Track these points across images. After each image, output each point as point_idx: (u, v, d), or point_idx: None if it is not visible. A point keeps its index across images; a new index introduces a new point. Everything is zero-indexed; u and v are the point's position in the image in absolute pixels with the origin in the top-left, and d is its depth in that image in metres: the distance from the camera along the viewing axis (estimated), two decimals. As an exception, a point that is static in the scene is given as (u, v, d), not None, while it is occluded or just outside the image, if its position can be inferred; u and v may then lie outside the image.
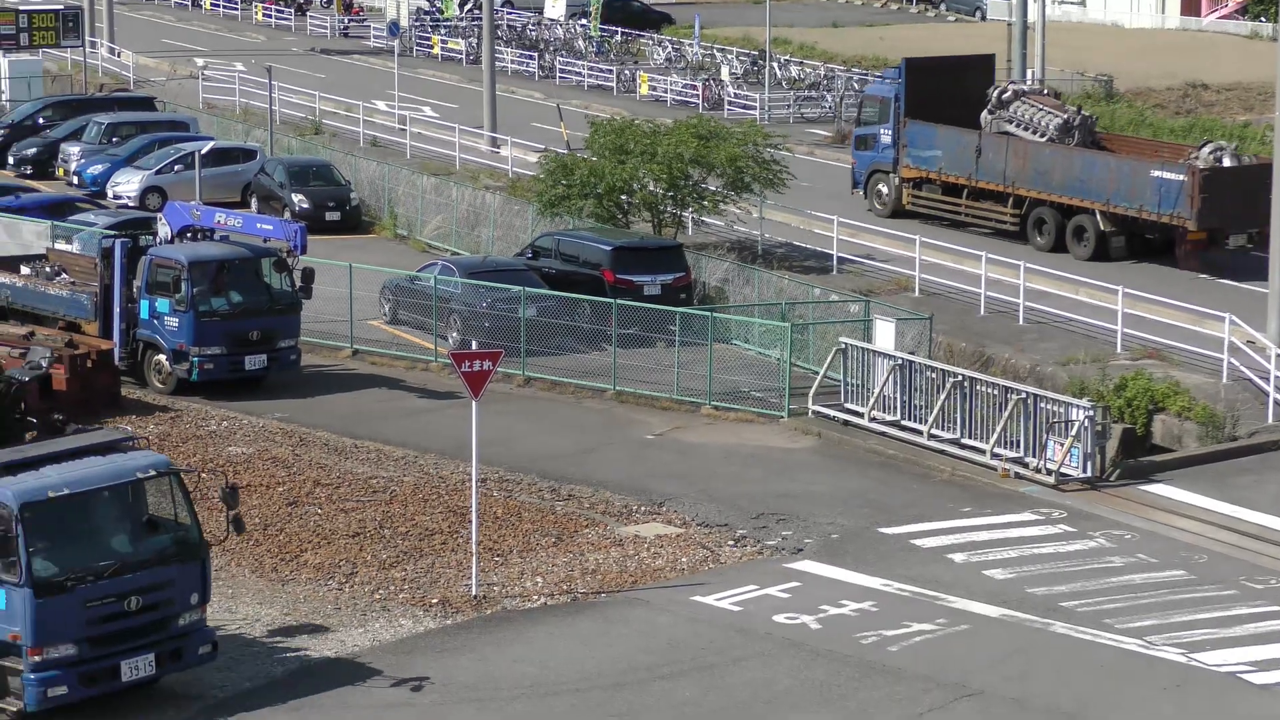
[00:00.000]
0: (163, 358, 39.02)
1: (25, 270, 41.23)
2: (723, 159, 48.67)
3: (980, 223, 53.27)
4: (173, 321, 38.76)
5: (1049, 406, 34.31)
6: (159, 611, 24.21)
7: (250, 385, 39.49)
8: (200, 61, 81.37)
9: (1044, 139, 52.81)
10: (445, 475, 33.99)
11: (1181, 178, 48.29)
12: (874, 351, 37.69)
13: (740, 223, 50.67)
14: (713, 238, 51.09)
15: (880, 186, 56.41)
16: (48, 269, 41.04)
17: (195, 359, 38.64)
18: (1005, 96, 54.37)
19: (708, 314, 40.27)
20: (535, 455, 35.51)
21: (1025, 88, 55.60)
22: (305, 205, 54.42)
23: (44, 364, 26.99)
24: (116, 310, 39.21)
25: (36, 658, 23.30)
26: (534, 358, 40.63)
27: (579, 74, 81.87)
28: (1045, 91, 55.89)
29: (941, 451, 35.51)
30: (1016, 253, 48.39)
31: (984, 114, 54.43)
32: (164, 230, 40.36)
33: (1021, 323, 43.30)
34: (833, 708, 24.93)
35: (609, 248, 44.66)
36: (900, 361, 36.94)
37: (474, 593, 28.53)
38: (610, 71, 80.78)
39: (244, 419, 37.45)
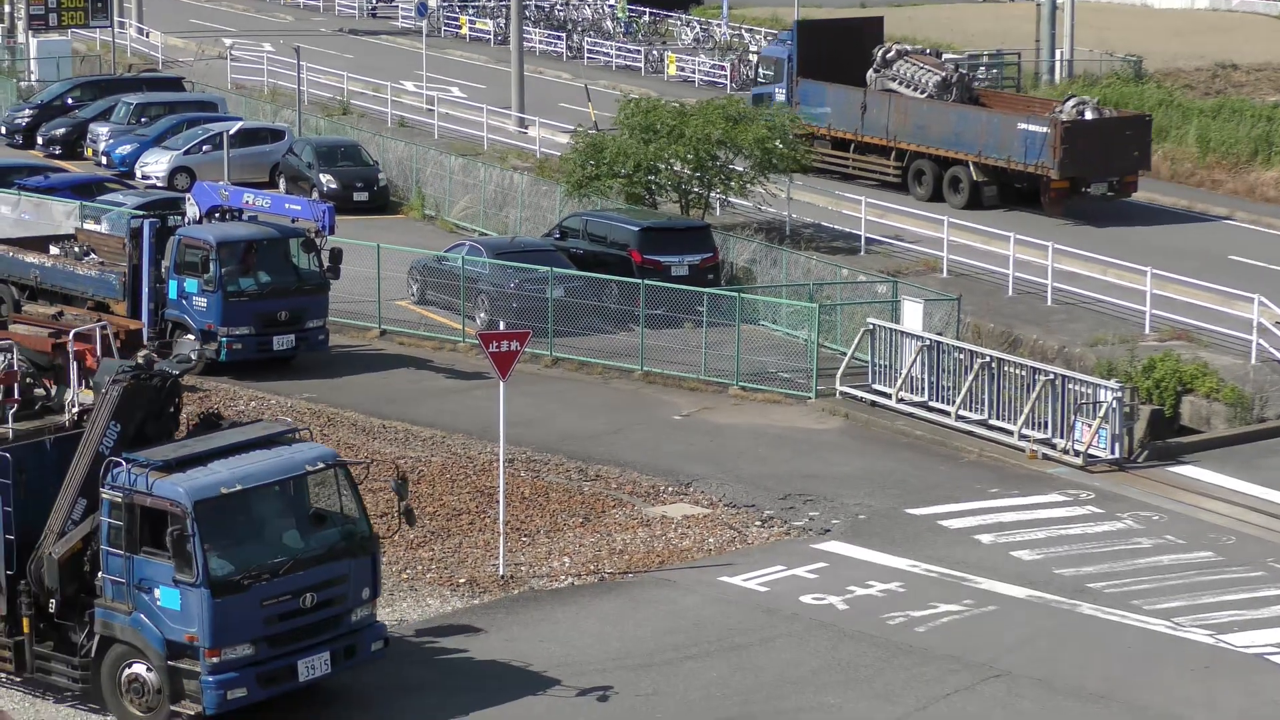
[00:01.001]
0: (191, 338, 39.08)
1: (54, 250, 41.29)
2: (750, 141, 48.63)
3: (866, 175, 56.00)
4: (201, 302, 38.82)
5: (1077, 388, 34.25)
6: (334, 608, 23.50)
7: (278, 365, 39.55)
8: (228, 42, 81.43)
9: (924, 95, 55.23)
10: (473, 455, 34.02)
11: (1045, 130, 51.13)
12: (902, 332, 37.63)
13: (767, 204, 50.64)
14: (740, 218, 51.06)
15: None
16: (76, 249, 41.10)
17: (223, 339, 38.70)
18: (889, 56, 56.78)
19: (735, 294, 40.19)
20: (563, 435, 35.53)
21: (909, 48, 58.08)
22: (333, 185, 54.48)
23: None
24: (145, 290, 39.23)
25: (215, 659, 22.45)
26: (562, 338, 40.65)
27: (607, 54, 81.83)
28: (927, 51, 58.53)
29: (969, 432, 35.47)
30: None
31: (869, 72, 56.77)
32: (192, 210, 40.41)
33: (1050, 303, 43.23)
34: (859, 688, 24.93)
35: (637, 228, 44.62)
36: (928, 342, 36.89)
37: (501, 573, 28.56)
38: (638, 52, 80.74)
39: (272, 399, 37.51)
